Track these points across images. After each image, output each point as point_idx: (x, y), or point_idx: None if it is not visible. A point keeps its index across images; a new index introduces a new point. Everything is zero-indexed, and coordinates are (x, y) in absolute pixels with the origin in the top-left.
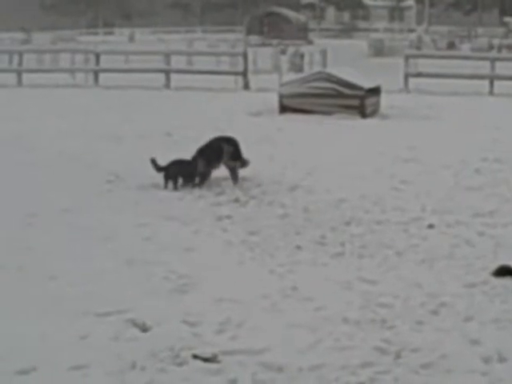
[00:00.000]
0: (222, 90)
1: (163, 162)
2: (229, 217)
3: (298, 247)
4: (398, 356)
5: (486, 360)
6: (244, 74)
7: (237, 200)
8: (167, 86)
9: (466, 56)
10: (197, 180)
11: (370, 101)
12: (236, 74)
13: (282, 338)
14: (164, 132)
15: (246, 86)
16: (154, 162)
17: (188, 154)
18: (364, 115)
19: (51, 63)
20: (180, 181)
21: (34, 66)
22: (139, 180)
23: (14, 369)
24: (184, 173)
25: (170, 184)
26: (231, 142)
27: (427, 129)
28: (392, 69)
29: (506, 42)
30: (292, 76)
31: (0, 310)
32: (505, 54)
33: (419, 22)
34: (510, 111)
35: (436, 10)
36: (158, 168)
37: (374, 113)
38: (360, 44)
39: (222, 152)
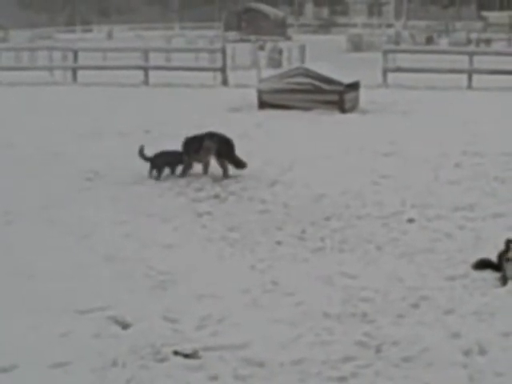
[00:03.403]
0: (200, 87)
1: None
2: (209, 213)
3: (279, 242)
4: (378, 350)
5: (467, 352)
6: (222, 70)
7: (216, 196)
8: (146, 82)
9: (445, 50)
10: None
11: (349, 96)
12: (214, 70)
13: (262, 333)
14: (143, 129)
15: (225, 82)
16: (141, 151)
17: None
18: (343, 110)
19: (29, 61)
20: (166, 171)
21: (11, 63)
22: (118, 177)
23: None
24: (170, 163)
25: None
26: (216, 139)
27: (406, 123)
28: (371, 64)
29: (483, 36)
30: (271, 72)
31: None
32: (483, 48)
33: (397, 17)
34: (489, 105)
35: (414, 5)
36: (145, 158)
37: (353, 108)
38: (339, 39)
39: (200, 146)
